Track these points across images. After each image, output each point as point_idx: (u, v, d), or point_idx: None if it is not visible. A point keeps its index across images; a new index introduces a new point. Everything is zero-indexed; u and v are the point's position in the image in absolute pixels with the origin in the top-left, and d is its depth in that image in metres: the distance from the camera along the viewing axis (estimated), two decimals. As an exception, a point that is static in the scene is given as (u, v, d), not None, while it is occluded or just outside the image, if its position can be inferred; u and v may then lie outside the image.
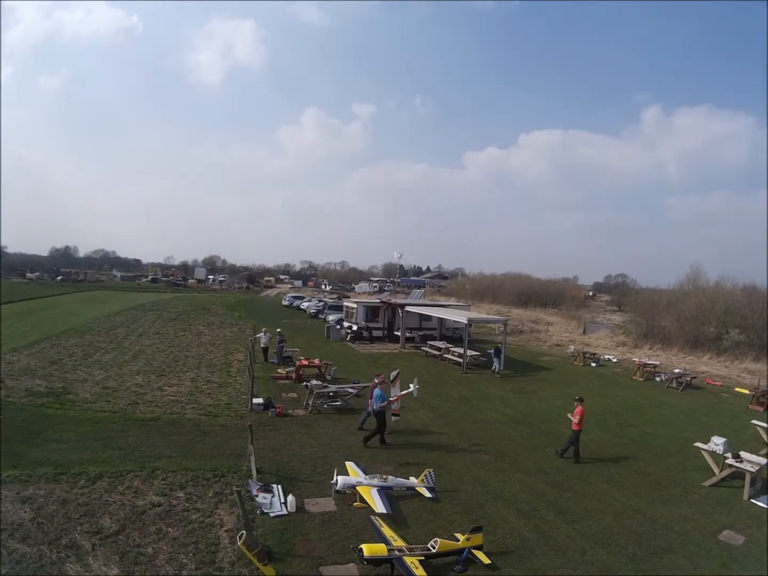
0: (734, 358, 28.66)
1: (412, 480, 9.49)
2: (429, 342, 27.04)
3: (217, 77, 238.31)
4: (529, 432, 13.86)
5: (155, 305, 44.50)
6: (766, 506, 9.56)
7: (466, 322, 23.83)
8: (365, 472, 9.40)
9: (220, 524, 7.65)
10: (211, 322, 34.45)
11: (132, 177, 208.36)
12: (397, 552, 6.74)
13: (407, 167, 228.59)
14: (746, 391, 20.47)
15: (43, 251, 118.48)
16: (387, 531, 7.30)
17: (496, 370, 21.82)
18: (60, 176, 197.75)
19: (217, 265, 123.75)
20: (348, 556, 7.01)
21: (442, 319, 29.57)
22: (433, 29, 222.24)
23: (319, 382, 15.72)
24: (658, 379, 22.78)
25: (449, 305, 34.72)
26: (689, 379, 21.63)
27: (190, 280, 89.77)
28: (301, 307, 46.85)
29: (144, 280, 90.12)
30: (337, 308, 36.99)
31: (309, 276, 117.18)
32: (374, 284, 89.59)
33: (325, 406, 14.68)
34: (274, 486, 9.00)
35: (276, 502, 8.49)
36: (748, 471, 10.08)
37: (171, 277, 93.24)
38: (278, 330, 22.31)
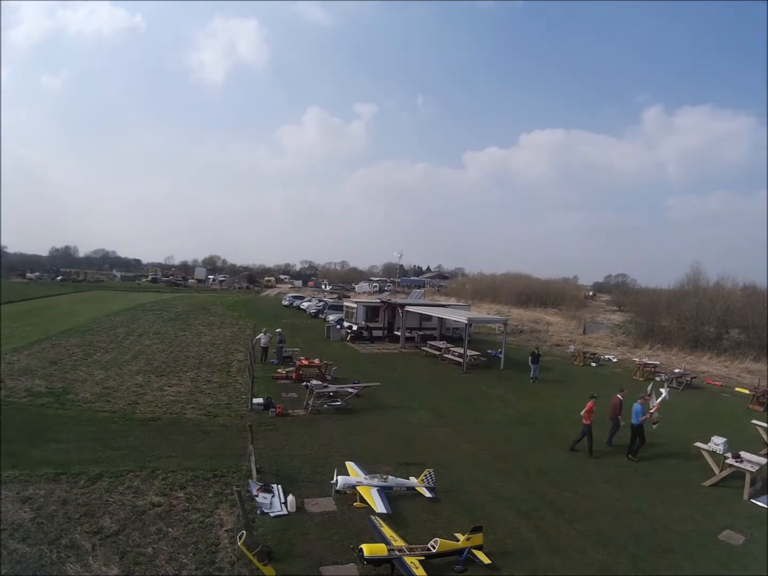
0: (734, 358, 28.68)
1: (412, 480, 9.49)
2: (429, 342, 27.04)
3: (219, 77, 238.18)
4: (529, 432, 13.86)
5: (155, 305, 44.50)
6: (766, 506, 9.56)
7: (466, 322, 23.83)
8: (365, 472, 9.40)
9: (220, 524, 7.65)
10: (211, 322, 34.44)
11: (132, 177, 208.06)
12: (397, 552, 6.74)
13: (408, 167, 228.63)
14: (746, 391, 20.47)
15: (43, 251, 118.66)
16: (387, 531, 7.30)
17: (534, 377, 20.82)
18: (60, 176, 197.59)
19: (217, 265, 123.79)
20: (348, 556, 7.01)
21: (442, 319, 29.57)
22: (435, 29, 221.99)
23: (319, 382, 15.72)
24: (658, 379, 22.74)
25: (449, 305, 34.74)
26: (689, 379, 21.64)
27: (190, 280, 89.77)
28: (301, 307, 46.83)
29: (144, 280, 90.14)
30: (337, 308, 36.99)
31: (309, 276, 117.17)
32: (374, 284, 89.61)
33: (325, 406, 14.68)
34: (274, 486, 9.00)
35: (276, 502, 8.49)
36: (748, 471, 10.08)
37: (171, 277, 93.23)
38: (278, 330, 22.31)
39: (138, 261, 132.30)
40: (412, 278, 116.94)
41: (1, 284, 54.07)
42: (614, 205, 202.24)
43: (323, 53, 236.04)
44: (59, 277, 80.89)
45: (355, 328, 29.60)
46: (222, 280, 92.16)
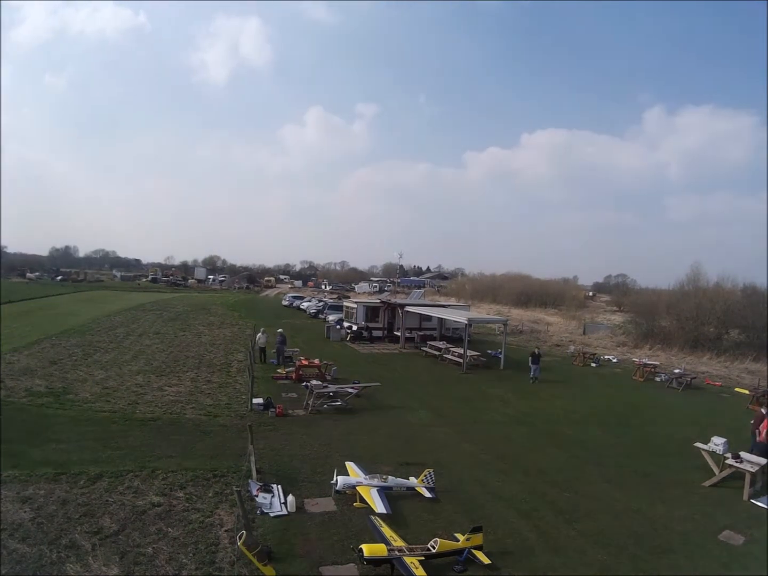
0: (734, 358, 28.69)
1: (412, 480, 9.49)
2: (429, 342, 27.05)
3: (222, 76, 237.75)
4: (529, 432, 13.86)
5: (155, 305, 44.50)
6: (766, 506, 9.56)
7: (466, 322, 23.83)
8: (365, 472, 9.39)
9: (220, 524, 7.65)
10: (211, 322, 34.44)
11: (133, 177, 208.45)
12: (397, 552, 6.74)
13: (409, 167, 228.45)
14: (746, 391, 20.48)
15: (43, 251, 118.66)
16: (387, 531, 7.30)
17: (534, 377, 20.72)
18: (61, 176, 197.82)
19: (217, 265, 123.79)
20: (348, 556, 7.00)
21: (442, 319, 29.58)
22: (438, 29, 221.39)
23: (319, 382, 15.72)
24: (658, 379, 22.79)
25: (449, 305, 34.73)
26: (689, 379, 21.64)
27: (190, 280, 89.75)
28: (301, 307, 46.83)
29: (144, 280, 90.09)
30: (337, 308, 36.99)
31: (309, 276, 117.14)
32: (374, 284, 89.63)
33: (325, 406, 14.68)
34: (274, 486, 9.00)
35: (276, 502, 8.49)
36: (748, 471, 10.08)
37: (171, 277, 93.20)
38: (279, 330, 22.31)
39: (138, 261, 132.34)
40: (412, 278, 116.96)
41: (1, 284, 54.06)
42: (614, 205, 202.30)
43: (326, 52, 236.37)
44: (59, 277, 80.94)
45: (355, 328, 29.60)
46: (222, 280, 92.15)
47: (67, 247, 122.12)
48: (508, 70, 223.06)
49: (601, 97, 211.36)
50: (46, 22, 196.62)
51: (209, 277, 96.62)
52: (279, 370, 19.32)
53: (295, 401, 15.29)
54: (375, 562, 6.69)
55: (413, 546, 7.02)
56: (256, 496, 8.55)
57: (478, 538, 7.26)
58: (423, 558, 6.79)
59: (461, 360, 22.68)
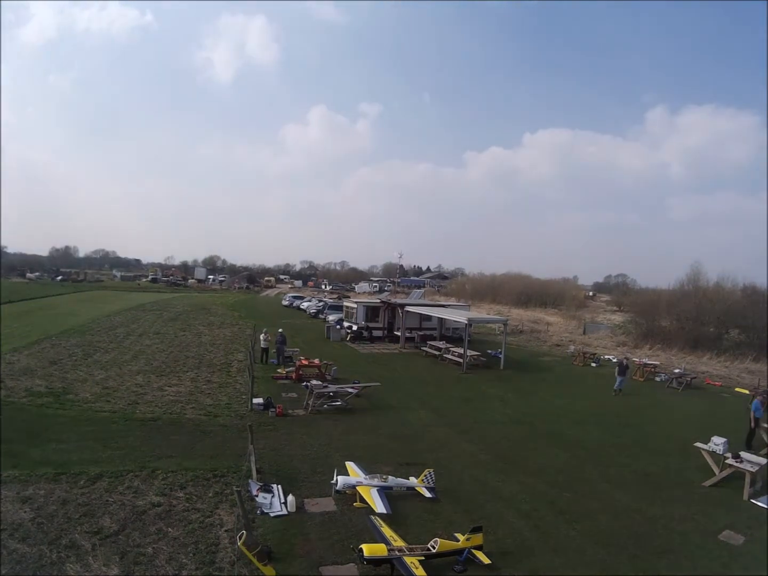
0: (734, 358, 28.70)
1: (412, 480, 9.48)
2: (429, 342, 27.04)
3: (227, 75, 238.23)
4: (529, 432, 13.85)
5: (155, 305, 44.51)
6: (766, 506, 9.56)
7: (466, 322, 23.82)
8: (365, 472, 9.39)
9: (220, 524, 7.65)
10: (211, 322, 34.45)
11: (134, 176, 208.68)
12: (397, 552, 6.74)
13: (410, 167, 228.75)
14: (746, 391, 20.48)
15: (43, 251, 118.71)
16: (387, 531, 7.30)
17: (618, 389, 19.33)
18: (62, 176, 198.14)
19: (217, 265, 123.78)
20: (348, 556, 7.00)
21: (442, 319, 29.57)
22: (441, 28, 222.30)
23: (319, 382, 15.72)
24: (658, 379, 22.79)
25: (449, 305, 34.73)
26: (689, 379, 21.64)
27: (190, 280, 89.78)
28: (301, 307, 46.85)
29: (144, 280, 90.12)
30: (337, 308, 36.99)
31: (309, 276, 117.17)
32: (374, 284, 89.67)
33: (325, 406, 14.68)
34: (274, 486, 9.00)
35: (276, 502, 8.49)
36: (748, 471, 10.08)
37: (171, 277, 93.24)
38: (279, 330, 22.31)
39: (138, 261, 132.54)
40: (412, 278, 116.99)
41: (1, 284, 54.06)
42: (615, 205, 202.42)
43: (331, 51, 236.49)
44: (59, 277, 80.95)
45: (355, 328, 29.60)
46: (222, 280, 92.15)
47: (67, 247, 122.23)
48: (510, 70, 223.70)
49: (603, 96, 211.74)
50: (52, 21, 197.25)
51: (209, 277, 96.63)
52: (279, 370, 19.32)
53: (295, 401, 15.29)
54: (375, 562, 6.69)
55: (413, 546, 7.02)
56: (256, 496, 8.55)
57: (478, 538, 7.26)
58: (423, 558, 6.78)
59: (461, 360, 22.68)
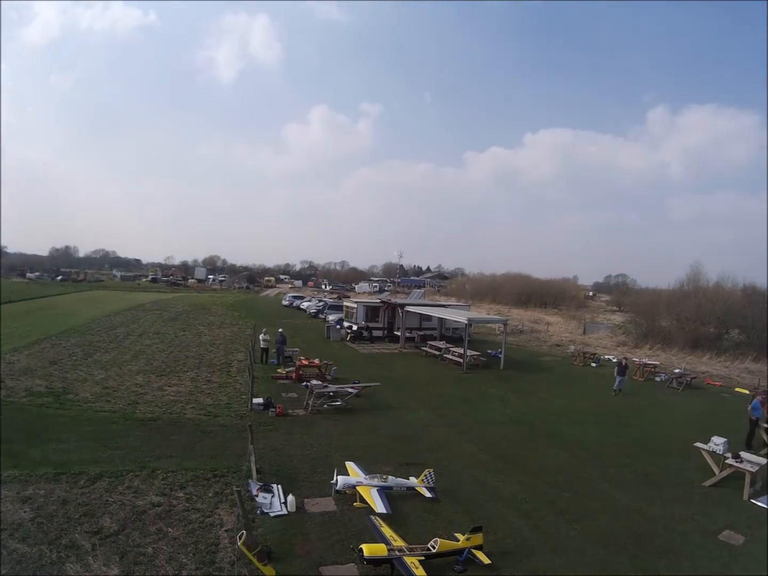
0: (734, 358, 28.69)
1: (412, 480, 9.48)
2: (429, 342, 27.04)
3: (230, 75, 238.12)
4: (529, 432, 13.85)
5: (155, 305, 44.51)
6: (766, 506, 9.56)
7: (466, 322, 23.82)
8: (365, 472, 9.39)
9: (220, 524, 7.65)
10: (211, 322, 34.45)
11: (134, 176, 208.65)
12: (397, 552, 6.74)
13: (410, 167, 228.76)
14: (746, 391, 20.48)
15: (43, 251, 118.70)
16: (387, 531, 7.30)
17: (618, 389, 19.33)
18: (62, 175, 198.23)
19: (217, 265, 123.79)
20: (348, 556, 7.00)
21: (442, 319, 29.57)
22: (443, 28, 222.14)
23: (319, 382, 15.72)
24: (658, 379, 22.79)
25: (449, 305, 34.72)
26: (689, 379, 21.64)
27: (190, 280, 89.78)
28: (301, 307, 46.86)
29: (144, 279, 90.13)
30: (337, 308, 36.99)
31: (309, 276, 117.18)
32: (374, 284, 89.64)
33: (325, 406, 14.68)
34: (274, 486, 9.00)
35: (276, 502, 8.49)
36: (748, 471, 10.08)
37: (171, 277, 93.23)
38: (279, 330, 22.32)
39: (138, 261, 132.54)
40: (412, 278, 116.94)
41: (1, 284, 54.06)
42: (615, 205, 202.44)
43: (333, 51, 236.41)
44: (59, 277, 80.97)
45: (355, 328, 29.59)
46: (222, 280, 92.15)
47: (67, 247, 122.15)
48: (511, 70, 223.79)
49: (604, 96, 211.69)
50: (55, 21, 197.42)
51: (209, 276, 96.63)
52: (279, 370, 19.32)
53: (295, 401, 15.29)
54: (375, 562, 6.69)
55: (413, 546, 7.02)
56: (256, 496, 8.55)
57: (478, 538, 7.26)
58: (423, 558, 6.79)
59: (461, 360, 22.67)
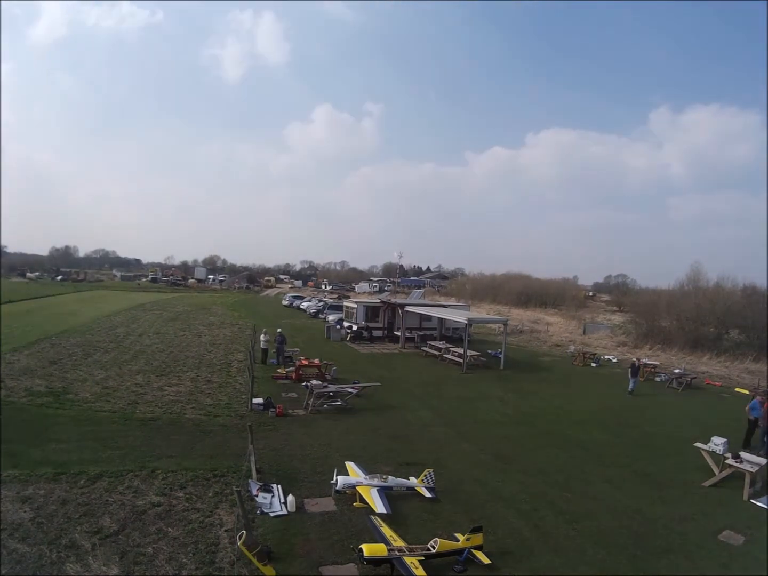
0: (734, 358, 28.67)
1: (412, 480, 9.49)
2: (429, 342, 27.04)
3: (236, 74, 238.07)
4: (529, 432, 13.85)
5: (155, 305, 44.51)
6: (766, 506, 9.57)
7: (466, 322, 23.82)
8: (365, 472, 9.39)
9: (220, 524, 7.65)
10: (211, 322, 34.45)
11: (135, 176, 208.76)
12: (397, 552, 6.74)
13: (411, 166, 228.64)
14: (746, 391, 20.48)
15: (43, 251, 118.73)
16: (387, 531, 7.30)
17: (631, 390, 19.31)
18: (62, 175, 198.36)
19: (217, 265, 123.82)
20: (348, 556, 7.00)
21: (442, 319, 29.57)
22: (446, 28, 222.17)
23: (319, 382, 15.72)
24: (658, 379, 22.79)
25: (449, 305, 34.73)
26: (689, 379, 21.64)
27: (190, 280, 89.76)
28: (301, 307, 46.86)
29: (144, 279, 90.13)
30: (337, 308, 36.99)
31: (309, 276, 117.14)
32: (374, 284, 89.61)
33: (325, 406, 14.68)
34: (274, 486, 9.00)
35: (276, 502, 8.49)
36: (748, 471, 10.09)
37: (171, 277, 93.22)
38: (279, 330, 22.32)
39: (138, 261, 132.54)
40: (412, 278, 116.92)
41: (1, 284, 54.06)
42: (615, 205, 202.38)
43: (336, 50, 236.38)
44: (59, 277, 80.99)
45: (355, 328, 29.60)
46: (222, 280, 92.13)
47: (67, 247, 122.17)
48: (514, 70, 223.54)
49: (607, 96, 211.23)
50: (61, 19, 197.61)
51: (209, 276, 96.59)
52: (279, 370, 19.32)
53: (295, 401, 15.28)
54: (375, 562, 6.69)
55: (413, 546, 7.02)
56: (256, 496, 8.55)
57: (478, 538, 7.26)
58: (423, 558, 6.79)
59: (461, 360, 22.67)
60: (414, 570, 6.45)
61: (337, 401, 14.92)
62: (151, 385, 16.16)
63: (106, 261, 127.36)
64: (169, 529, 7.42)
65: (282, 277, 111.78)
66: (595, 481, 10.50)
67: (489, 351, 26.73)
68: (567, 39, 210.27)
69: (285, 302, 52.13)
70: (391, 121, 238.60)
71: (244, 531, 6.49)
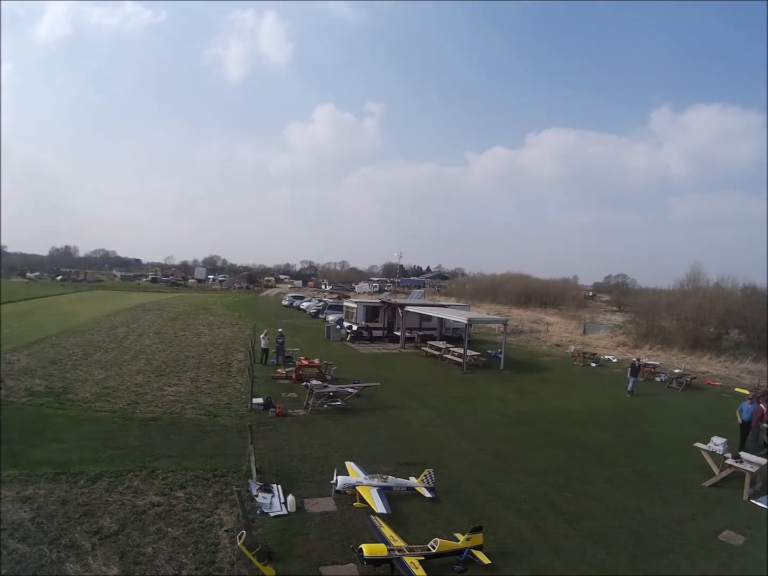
0: (734, 358, 28.66)
1: (412, 480, 9.48)
2: (429, 342, 27.04)
3: (237, 75, 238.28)
4: (529, 432, 13.85)
5: (155, 305, 44.51)
6: (766, 506, 9.56)
7: (466, 322, 23.82)
8: (365, 472, 9.39)
9: (220, 524, 7.65)
10: (211, 322, 34.45)
11: (135, 176, 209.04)
12: (397, 552, 6.74)
13: (412, 166, 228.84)
14: (746, 391, 20.43)
15: (43, 251, 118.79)
16: (387, 531, 7.30)
17: (631, 390, 19.31)
18: (63, 175, 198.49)
19: (217, 265, 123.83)
20: (348, 556, 7.00)
21: (442, 319, 29.56)
22: (448, 28, 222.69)
23: (319, 382, 15.72)
24: (658, 379, 22.79)
25: (449, 305, 34.72)
26: (689, 379, 21.63)
27: (190, 280, 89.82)
28: (301, 307, 46.87)
29: (144, 279, 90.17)
30: (337, 308, 36.99)
31: (309, 276, 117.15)
32: (374, 284, 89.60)
33: (325, 406, 14.68)
34: (274, 486, 9.00)
35: (276, 502, 8.48)
36: (748, 471, 10.08)
37: (171, 277, 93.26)
38: (279, 330, 22.32)
39: (138, 261, 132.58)
40: (412, 278, 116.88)
41: (1, 284, 54.05)
42: (615, 205, 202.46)
43: (338, 50, 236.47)
44: (59, 277, 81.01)
45: (355, 328, 29.60)
46: (222, 280, 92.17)
47: (67, 247, 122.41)
48: (514, 70, 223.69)
49: (608, 96, 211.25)
50: (64, 19, 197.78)
51: (209, 276, 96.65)
52: (279, 370, 19.32)
53: (295, 401, 15.28)
54: (375, 562, 6.69)
55: (413, 546, 7.02)
56: (256, 496, 8.55)
57: (478, 538, 7.26)
58: (423, 558, 6.78)
59: (461, 360, 22.67)
60: (414, 570, 6.44)
61: (337, 401, 14.92)
62: (151, 385, 16.16)
63: (106, 261, 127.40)
64: (169, 529, 7.42)
65: (282, 277, 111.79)
66: (595, 481, 10.50)
67: (489, 351, 26.73)
68: (567, 39, 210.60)
69: (285, 302, 52.14)
70: (392, 121, 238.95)
71: (244, 531, 6.49)
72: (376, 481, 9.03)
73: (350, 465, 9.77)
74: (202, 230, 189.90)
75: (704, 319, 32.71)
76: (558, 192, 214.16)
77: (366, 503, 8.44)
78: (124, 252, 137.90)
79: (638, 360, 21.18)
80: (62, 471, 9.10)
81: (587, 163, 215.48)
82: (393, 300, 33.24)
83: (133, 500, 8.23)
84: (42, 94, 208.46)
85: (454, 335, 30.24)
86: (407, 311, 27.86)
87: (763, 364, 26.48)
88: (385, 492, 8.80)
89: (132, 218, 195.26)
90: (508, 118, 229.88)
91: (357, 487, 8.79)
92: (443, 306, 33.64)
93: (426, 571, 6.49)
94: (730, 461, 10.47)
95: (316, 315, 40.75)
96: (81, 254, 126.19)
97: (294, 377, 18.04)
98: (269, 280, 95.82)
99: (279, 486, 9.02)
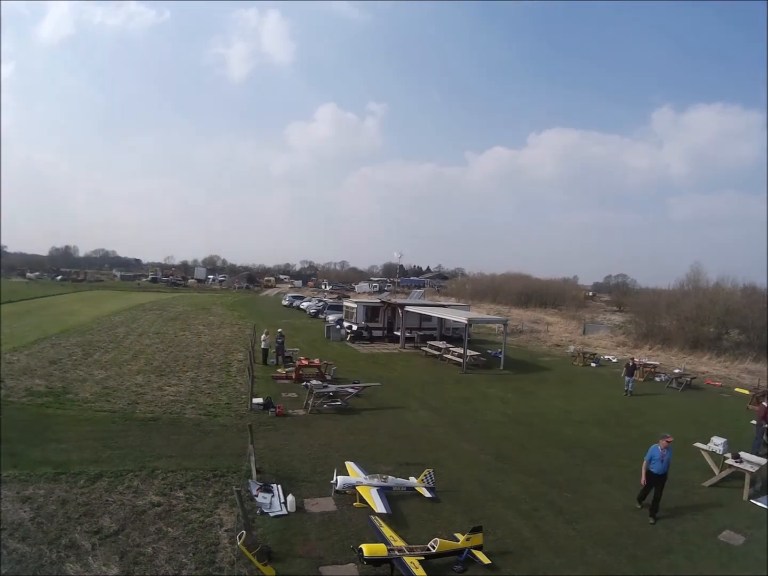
0: (734, 358, 28.67)
1: (412, 480, 9.48)
2: (429, 342, 27.03)
3: (239, 74, 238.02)
4: (529, 432, 13.85)
5: (155, 305, 44.51)
6: (766, 506, 9.56)
7: (466, 322, 23.81)
8: (365, 472, 9.39)
9: (220, 524, 7.64)
10: (211, 322, 34.45)
11: (135, 176, 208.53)
12: (397, 552, 6.74)
13: (412, 166, 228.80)
14: (746, 392, 20.47)
15: (43, 251, 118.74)
16: (387, 531, 7.30)
17: (628, 390, 19.35)
18: (63, 175, 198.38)
19: (217, 265, 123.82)
20: (348, 556, 7.00)
21: (442, 319, 29.57)
22: (449, 28, 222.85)
23: (319, 382, 15.72)
24: (658, 379, 22.79)
25: (449, 305, 34.72)
26: (689, 379, 21.63)
27: (190, 280, 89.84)
28: (301, 307, 46.87)
29: (144, 279, 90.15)
30: (337, 308, 36.98)
31: (309, 276, 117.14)
32: (374, 284, 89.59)
33: (325, 406, 14.68)
34: (274, 486, 9.00)
35: (276, 502, 8.48)
36: (748, 471, 10.08)
37: (171, 277, 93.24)
38: (279, 330, 22.32)
39: (138, 261, 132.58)
40: (412, 278, 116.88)
41: (1, 284, 54.05)
42: (616, 205, 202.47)
43: (341, 50, 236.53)
44: (59, 277, 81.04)
45: (355, 328, 29.60)
46: (222, 280, 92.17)
47: (67, 247, 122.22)
48: (515, 70, 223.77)
49: (609, 96, 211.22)
50: (67, 19, 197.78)
51: (209, 276, 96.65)
52: (279, 370, 19.32)
53: (295, 401, 15.28)
54: (375, 562, 6.69)
55: (413, 546, 7.02)
56: (256, 496, 8.55)
57: (478, 538, 7.26)
58: (423, 558, 6.79)
59: (461, 360, 22.67)
60: (414, 570, 6.45)
61: (337, 401, 14.91)
62: (151, 385, 16.16)
63: (106, 261, 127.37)
64: (169, 529, 7.42)
65: (282, 277, 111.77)
66: (595, 481, 10.50)
67: (489, 351, 26.74)
68: (567, 39, 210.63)
69: (285, 302, 52.14)
70: (393, 121, 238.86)
71: (244, 531, 6.49)
72: (376, 481, 9.03)
73: (350, 465, 9.77)
74: (202, 230, 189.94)
75: (704, 319, 32.71)
76: (558, 192, 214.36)
77: (366, 503, 8.44)
78: (124, 252, 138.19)
79: (633, 360, 21.16)
80: (62, 471, 9.10)
81: (587, 163, 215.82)
82: (393, 300, 33.23)
83: (133, 500, 8.23)
84: (42, 94, 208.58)
85: (454, 335, 30.24)
86: (407, 311, 27.85)
87: (763, 364, 26.48)
88: (385, 492, 8.80)
89: (132, 218, 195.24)
90: (509, 118, 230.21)
91: (357, 487, 8.79)
92: (443, 306, 33.64)
93: (426, 571, 6.49)
94: (730, 461, 10.48)
95: (315, 315, 40.76)
96: (81, 254, 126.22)
97: (294, 377, 18.04)
98: (269, 280, 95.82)
99: (279, 486, 9.02)
